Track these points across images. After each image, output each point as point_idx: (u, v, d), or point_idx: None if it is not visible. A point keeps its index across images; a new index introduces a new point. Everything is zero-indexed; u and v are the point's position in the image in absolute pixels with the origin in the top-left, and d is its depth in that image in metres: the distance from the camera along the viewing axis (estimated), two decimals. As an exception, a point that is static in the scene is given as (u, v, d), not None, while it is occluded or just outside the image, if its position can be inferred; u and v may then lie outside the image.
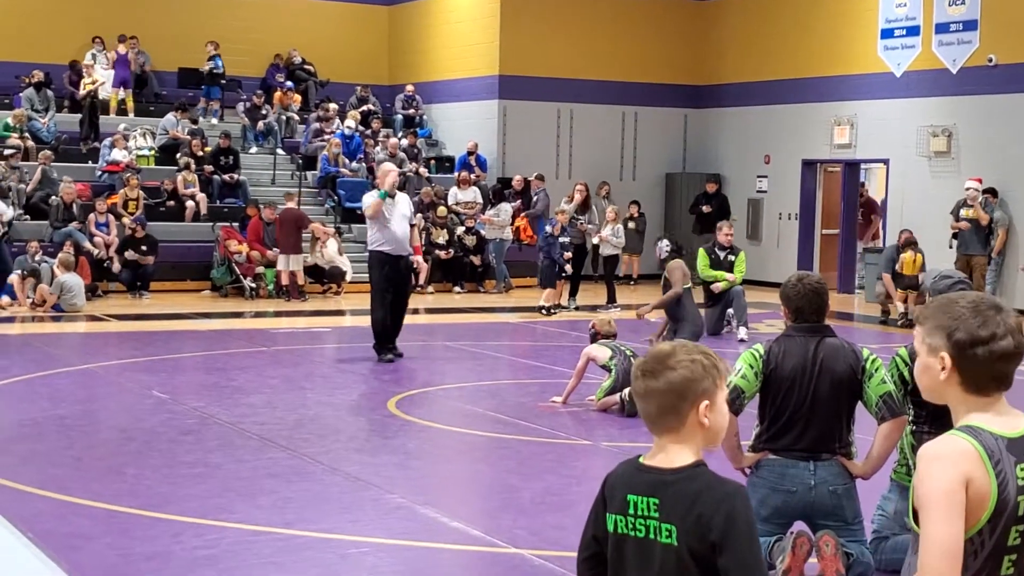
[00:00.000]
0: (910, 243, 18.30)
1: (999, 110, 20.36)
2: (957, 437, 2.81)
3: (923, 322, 2.95)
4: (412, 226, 13.86)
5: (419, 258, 14.92)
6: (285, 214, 20.36)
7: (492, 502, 8.12)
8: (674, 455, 3.00)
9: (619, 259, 21.35)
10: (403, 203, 13.62)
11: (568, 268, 18.66)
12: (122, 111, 24.81)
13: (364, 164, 23.67)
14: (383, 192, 13.32)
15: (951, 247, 19.38)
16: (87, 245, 19.73)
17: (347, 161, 23.73)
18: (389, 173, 13.64)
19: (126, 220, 20.49)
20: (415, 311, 18.88)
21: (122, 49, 24.97)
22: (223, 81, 25.77)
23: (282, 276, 20.16)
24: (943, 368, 2.87)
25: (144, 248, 20.11)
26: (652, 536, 2.98)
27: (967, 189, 19.25)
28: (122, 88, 25.06)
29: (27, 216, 20.66)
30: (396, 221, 13.39)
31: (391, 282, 13.49)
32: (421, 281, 20.21)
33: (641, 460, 3.07)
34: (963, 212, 19.14)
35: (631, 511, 3.01)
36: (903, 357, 6.37)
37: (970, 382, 2.86)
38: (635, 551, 3.02)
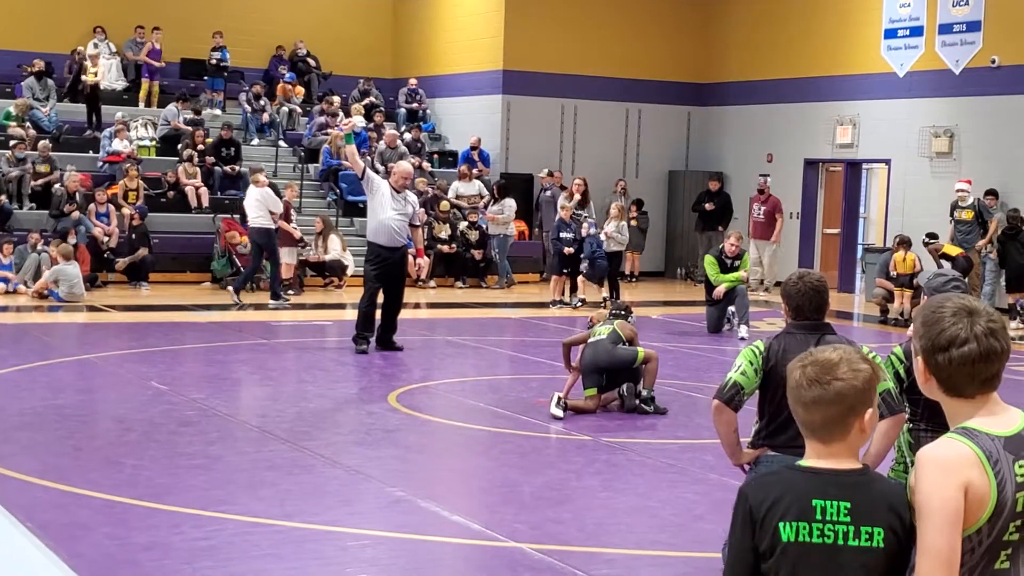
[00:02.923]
0: (903, 243, 18.52)
1: (1001, 111, 20.36)
2: (955, 441, 2.81)
3: (913, 325, 3.01)
4: (415, 226, 13.86)
5: (421, 260, 14.91)
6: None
7: (492, 496, 8.13)
8: (843, 460, 2.96)
9: (623, 256, 21.34)
10: (405, 201, 13.63)
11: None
12: (130, 102, 24.82)
13: (369, 158, 23.66)
14: (348, 135, 14.16)
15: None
16: (95, 232, 19.76)
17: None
18: (402, 167, 13.99)
19: (126, 211, 20.48)
20: (416, 305, 18.91)
21: (154, 39, 24.99)
22: (227, 73, 25.76)
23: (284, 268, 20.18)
24: (922, 372, 2.92)
25: (134, 237, 20.13)
26: (841, 541, 2.88)
27: (958, 191, 19.36)
28: (149, 78, 25.18)
29: (33, 204, 20.64)
30: (389, 213, 13.39)
31: (383, 273, 13.51)
32: (423, 276, 20.20)
33: (804, 464, 2.98)
34: (956, 214, 19.26)
35: (818, 516, 2.89)
36: (898, 355, 6.37)
37: (946, 386, 2.88)
38: (821, 558, 2.90)
